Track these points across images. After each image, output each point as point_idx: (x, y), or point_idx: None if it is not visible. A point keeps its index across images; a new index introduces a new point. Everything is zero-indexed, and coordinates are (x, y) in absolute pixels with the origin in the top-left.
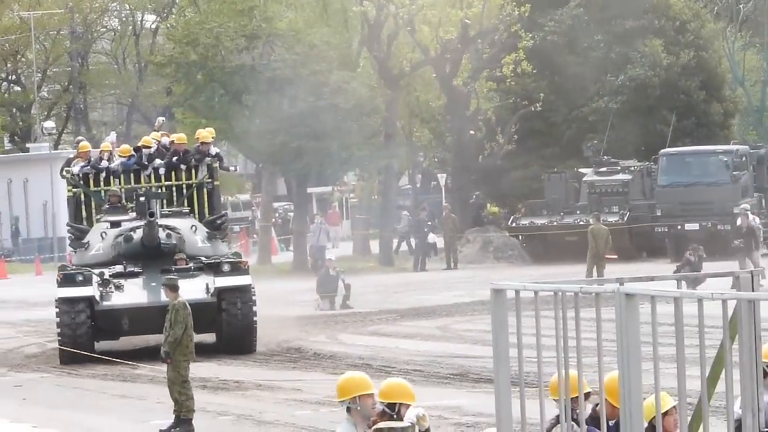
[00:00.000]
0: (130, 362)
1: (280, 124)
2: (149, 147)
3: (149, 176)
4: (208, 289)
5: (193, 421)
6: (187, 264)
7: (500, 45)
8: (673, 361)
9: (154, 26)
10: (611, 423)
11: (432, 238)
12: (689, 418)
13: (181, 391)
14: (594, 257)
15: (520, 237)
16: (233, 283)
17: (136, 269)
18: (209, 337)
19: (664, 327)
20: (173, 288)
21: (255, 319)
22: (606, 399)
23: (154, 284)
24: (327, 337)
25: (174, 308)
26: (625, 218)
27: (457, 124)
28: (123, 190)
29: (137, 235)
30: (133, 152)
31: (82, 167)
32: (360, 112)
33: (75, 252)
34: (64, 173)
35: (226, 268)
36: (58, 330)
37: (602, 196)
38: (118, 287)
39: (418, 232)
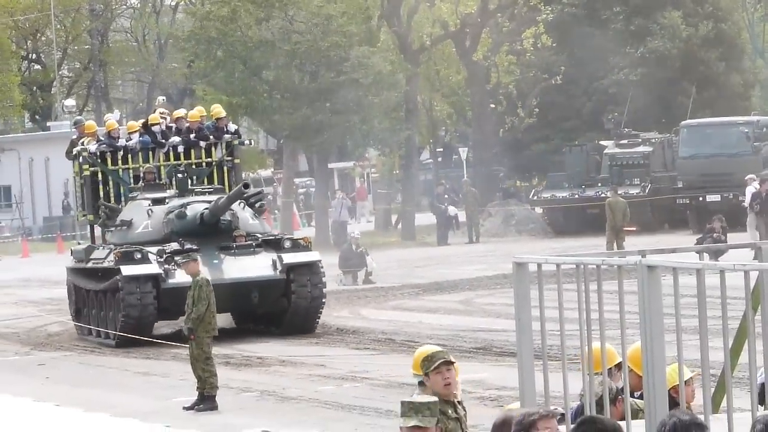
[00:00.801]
0: (156, 340)
1: (300, 99)
2: (158, 123)
3: (166, 154)
4: (275, 265)
5: (216, 398)
6: (246, 241)
7: (520, 18)
8: (696, 332)
9: (173, 3)
10: (636, 394)
11: (453, 211)
12: (713, 390)
13: (204, 368)
14: (613, 230)
15: (542, 210)
16: (302, 259)
17: (194, 246)
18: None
19: (687, 298)
20: (194, 263)
21: (324, 299)
22: (631, 369)
23: (216, 261)
24: (350, 313)
25: (197, 284)
26: (647, 190)
27: (478, 98)
28: (162, 167)
29: (191, 211)
30: (141, 129)
31: (100, 145)
32: (380, 86)
33: (110, 231)
34: (75, 153)
35: (287, 244)
36: (122, 311)
37: (623, 169)
38: (180, 265)
39: (434, 207)
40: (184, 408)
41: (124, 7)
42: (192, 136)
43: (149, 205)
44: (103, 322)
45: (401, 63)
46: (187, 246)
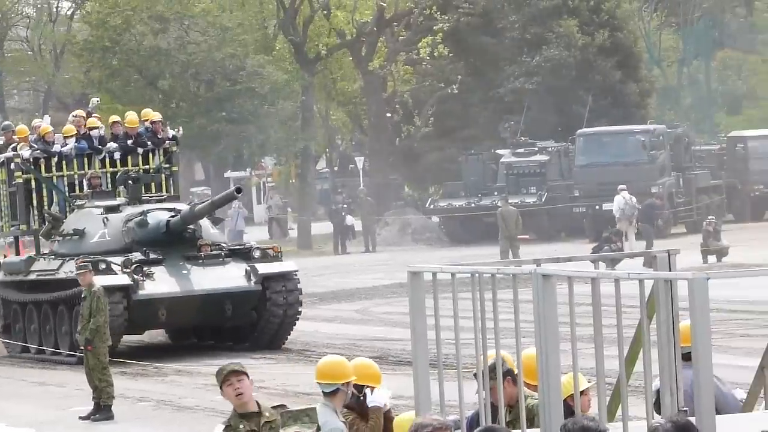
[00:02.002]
0: (58, 350)
1: (196, 108)
2: (97, 127)
3: (102, 161)
4: (249, 276)
5: (112, 408)
6: (211, 250)
7: (416, 28)
8: (591, 341)
9: (69, 12)
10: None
11: (350, 220)
12: (608, 398)
13: (101, 377)
14: (507, 239)
15: (438, 219)
16: (278, 269)
17: (158, 257)
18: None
19: (582, 307)
20: (90, 272)
21: (300, 309)
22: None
23: (185, 272)
24: None
25: (95, 295)
26: (543, 199)
27: (374, 108)
28: (108, 174)
29: (153, 219)
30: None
31: (33, 151)
32: (276, 95)
33: (56, 241)
34: (3, 159)
35: (257, 254)
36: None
37: (520, 177)
38: (149, 275)
39: (333, 215)
40: (80, 418)
41: (20, 16)
42: (129, 142)
43: (102, 213)
44: (48, 337)
45: (297, 72)
46: (153, 256)
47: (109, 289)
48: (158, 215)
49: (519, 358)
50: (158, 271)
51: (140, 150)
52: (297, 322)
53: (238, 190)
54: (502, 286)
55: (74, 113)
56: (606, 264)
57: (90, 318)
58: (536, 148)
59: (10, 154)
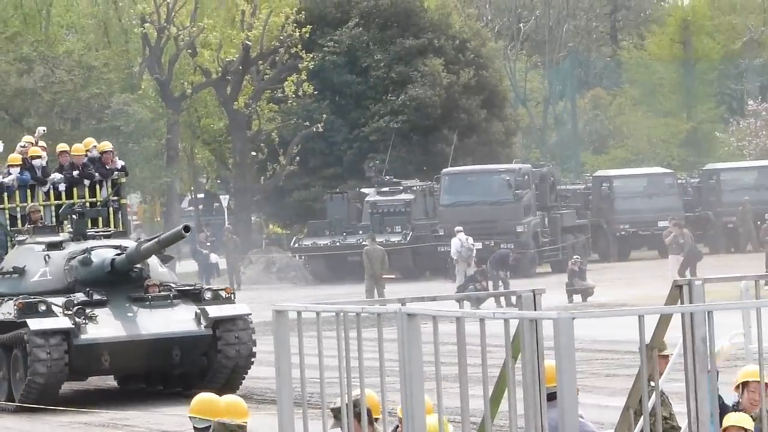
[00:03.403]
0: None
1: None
2: (39, 157)
3: (47, 193)
4: (199, 319)
5: None
6: (159, 291)
7: (281, 66)
8: (457, 380)
9: None
10: None
11: (214, 258)
12: None
13: None
14: (372, 278)
15: (303, 257)
16: (230, 312)
17: (102, 298)
18: None
19: (448, 346)
20: None
21: (254, 351)
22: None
23: (130, 314)
24: None
25: None
26: (408, 238)
27: (239, 146)
28: (53, 207)
29: (97, 257)
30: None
31: None
32: (141, 134)
33: None
34: None
35: (208, 295)
36: (28, 374)
37: (385, 216)
38: (91, 318)
39: (197, 254)
40: None
41: None
42: (75, 173)
43: (44, 249)
44: None
45: (163, 110)
46: (96, 297)
47: (49, 333)
48: (103, 253)
49: (384, 396)
50: (102, 313)
51: (86, 182)
52: (251, 366)
53: (186, 229)
54: (367, 325)
55: (23, 141)
56: (471, 303)
57: None
58: (401, 187)
59: None
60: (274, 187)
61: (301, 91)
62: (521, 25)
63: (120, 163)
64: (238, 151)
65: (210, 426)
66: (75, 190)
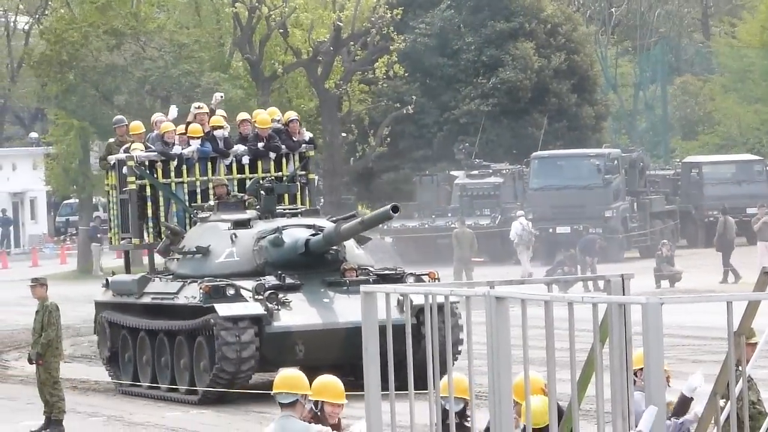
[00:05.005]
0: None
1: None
2: (222, 127)
3: (229, 166)
4: (402, 306)
5: (63, 422)
6: (357, 275)
7: (372, 47)
8: (544, 363)
9: (26, 26)
10: None
11: None
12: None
13: (52, 392)
14: (460, 261)
15: (392, 239)
16: (436, 299)
17: (295, 282)
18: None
19: (536, 330)
20: (43, 286)
21: (461, 338)
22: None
23: (326, 300)
24: None
25: (47, 309)
26: (497, 221)
27: (329, 126)
28: (235, 181)
29: (289, 237)
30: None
31: (150, 153)
32: (232, 113)
33: (174, 260)
34: (115, 161)
35: (410, 281)
36: (216, 362)
37: (474, 199)
38: (284, 304)
39: None
40: (30, 431)
41: None
42: (260, 145)
43: (230, 228)
44: (163, 370)
45: (253, 90)
46: (288, 281)
47: (240, 320)
48: (295, 233)
49: (471, 380)
50: (295, 298)
51: (272, 155)
52: (458, 357)
53: (395, 209)
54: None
55: (196, 105)
56: (559, 287)
57: (42, 332)
58: (490, 171)
59: (122, 155)
60: (363, 168)
61: (391, 72)
62: (613, 10)
63: (308, 135)
64: (328, 131)
65: (296, 400)
66: (259, 163)
